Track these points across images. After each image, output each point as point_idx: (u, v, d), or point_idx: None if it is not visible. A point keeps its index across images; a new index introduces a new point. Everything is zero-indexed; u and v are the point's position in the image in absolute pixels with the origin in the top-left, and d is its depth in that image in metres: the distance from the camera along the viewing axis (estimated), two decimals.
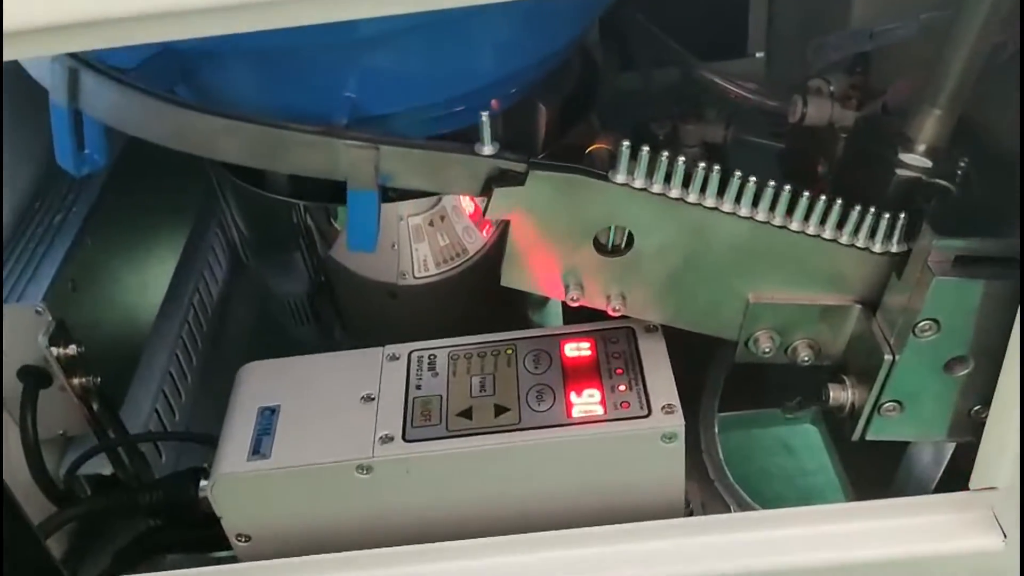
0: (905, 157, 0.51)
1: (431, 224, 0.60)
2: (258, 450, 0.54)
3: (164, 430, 0.71)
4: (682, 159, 0.48)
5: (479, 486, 0.54)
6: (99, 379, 0.60)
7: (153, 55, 0.50)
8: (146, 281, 0.74)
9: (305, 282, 0.67)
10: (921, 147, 0.51)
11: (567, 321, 0.70)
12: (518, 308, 0.68)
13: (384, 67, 0.50)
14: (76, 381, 0.58)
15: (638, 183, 0.48)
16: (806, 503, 0.84)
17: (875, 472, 0.66)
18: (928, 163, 0.50)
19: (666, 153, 0.47)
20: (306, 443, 0.54)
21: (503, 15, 0.50)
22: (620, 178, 0.48)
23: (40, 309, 0.57)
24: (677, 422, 0.52)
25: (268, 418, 0.56)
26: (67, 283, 0.61)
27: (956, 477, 0.59)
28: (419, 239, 0.61)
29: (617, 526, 0.52)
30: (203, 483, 0.57)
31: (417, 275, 0.62)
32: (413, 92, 0.51)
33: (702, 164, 0.48)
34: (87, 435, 0.63)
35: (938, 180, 0.50)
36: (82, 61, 0.48)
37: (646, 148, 0.47)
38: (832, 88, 0.62)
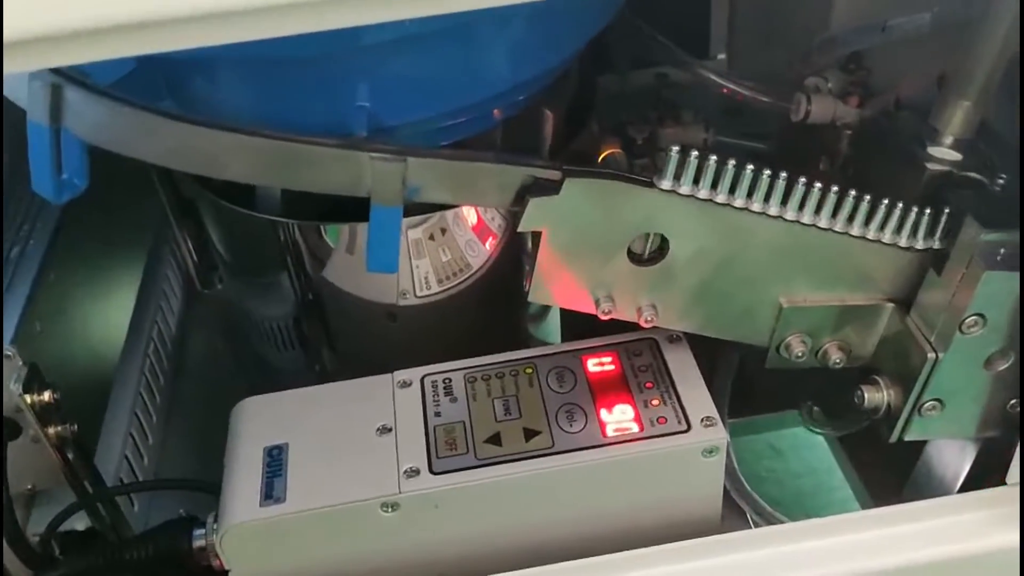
0: (934, 151, 0.50)
1: (431, 238, 0.57)
2: (271, 494, 0.49)
3: (135, 475, 0.66)
4: (732, 162, 0.46)
5: (512, 515, 0.51)
6: (76, 427, 0.54)
7: (135, 67, 0.46)
8: (110, 314, 0.68)
9: (290, 305, 0.62)
10: (948, 140, 0.50)
11: (565, 335, 0.67)
12: (518, 322, 0.65)
13: (402, 74, 0.46)
14: (52, 430, 0.53)
15: (682, 188, 0.46)
16: (801, 505, 0.84)
17: (887, 472, 0.65)
18: (958, 156, 0.50)
19: (715, 157, 0.46)
20: (323, 483, 0.50)
21: (523, 16, 0.48)
22: (667, 184, 0.46)
23: (10, 353, 0.51)
24: (720, 435, 0.50)
25: (276, 458, 0.51)
26: (34, 323, 0.55)
27: None
28: (419, 255, 0.57)
29: (660, 547, 0.50)
30: (197, 533, 0.52)
31: (419, 294, 0.59)
32: (431, 100, 0.48)
33: (750, 166, 0.46)
34: (55, 488, 0.58)
35: (970, 173, 0.49)
36: (65, 76, 0.43)
37: (695, 152, 0.45)
38: (830, 85, 0.61)
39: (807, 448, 0.85)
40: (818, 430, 0.60)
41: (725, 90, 0.65)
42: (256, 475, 0.50)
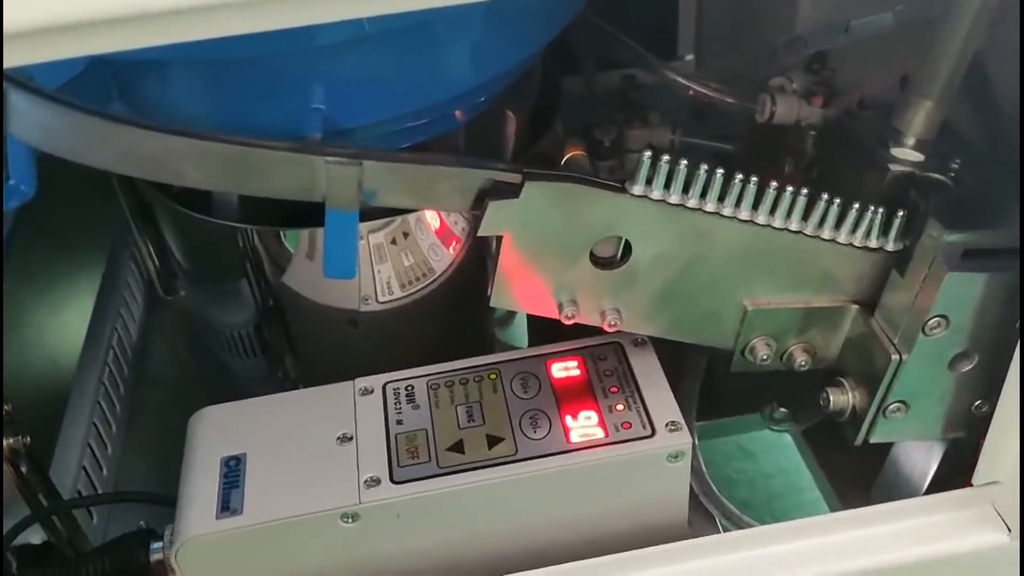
0: (896, 152, 0.50)
1: (393, 242, 0.56)
2: (227, 506, 0.48)
3: (93, 487, 0.64)
4: (704, 166, 0.45)
5: (475, 525, 0.50)
6: (28, 439, 0.53)
7: (83, 69, 0.45)
8: (67, 321, 0.67)
9: (251, 312, 0.61)
10: (911, 140, 0.50)
11: (533, 338, 0.67)
12: (484, 327, 0.65)
13: (357, 75, 0.45)
14: (4, 443, 0.51)
15: (653, 193, 0.46)
16: (771, 506, 0.84)
17: (855, 473, 0.65)
18: (920, 157, 0.49)
19: (685, 161, 0.45)
20: (281, 494, 0.48)
21: (480, 14, 0.47)
22: (638, 189, 0.45)
23: None
24: (684, 440, 0.49)
25: (234, 469, 0.50)
26: None
27: None
28: (381, 259, 0.56)
29: (626, 554, 0.49)
30: (154, 546, 0.51)
31: (381, 299, 0.58)
32: (388, 101, 0.47)
33: (720, 171, 0.45)
34: (11, 501, 0.56)
35: (932, 174, 0.49)
36: (9, 79, 0.41)
37: (666, 157, 0.44)
38: (795, 86, 0.61)
39: (778, 449, 0.85)
40: (780, 429, 0.59)
41: (691, 91, 0.65)
42: (213, 486, 0.49)
